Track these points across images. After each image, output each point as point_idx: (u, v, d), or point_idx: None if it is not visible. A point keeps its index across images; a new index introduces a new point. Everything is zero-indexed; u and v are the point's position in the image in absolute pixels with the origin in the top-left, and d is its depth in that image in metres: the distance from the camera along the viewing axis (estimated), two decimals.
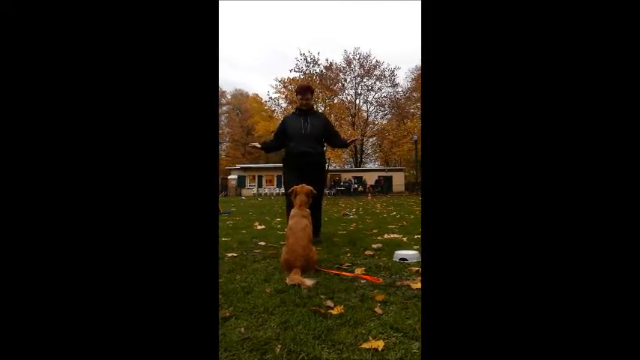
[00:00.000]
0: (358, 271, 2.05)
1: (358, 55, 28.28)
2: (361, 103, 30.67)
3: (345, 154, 28.96)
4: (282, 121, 3.22)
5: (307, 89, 3.14)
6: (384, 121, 31.25)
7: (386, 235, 3.52)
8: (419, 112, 28.53)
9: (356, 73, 28.74)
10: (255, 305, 1.47)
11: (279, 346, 1.09)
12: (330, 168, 26.03)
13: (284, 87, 24.40)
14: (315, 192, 2.49)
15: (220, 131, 37.32)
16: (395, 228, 4.19)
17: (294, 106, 3.26)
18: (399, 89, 30.98)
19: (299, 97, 3.10)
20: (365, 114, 30.81)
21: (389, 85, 29.79)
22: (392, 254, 2.46)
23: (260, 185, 27.21)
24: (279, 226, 4.65)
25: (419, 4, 0.75)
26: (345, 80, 28.40)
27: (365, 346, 1.09)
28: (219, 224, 4.82)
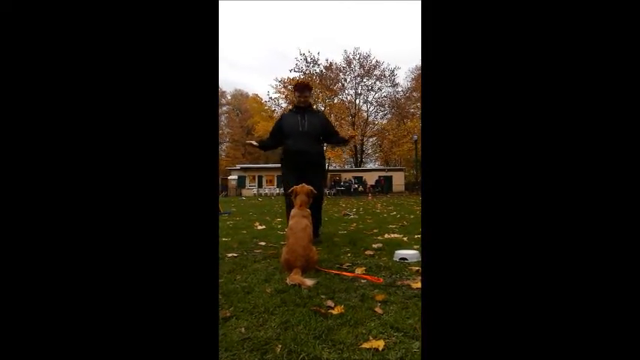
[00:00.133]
0: (358, 270, 2.05)
1: (358, 55, 28.30)
2: (361, 103, 30.69)
3: (345, 154, 28.96)
4: (279, 118, 3.13)
5: (305, 86, 3.07)
6: (384, 121, 31.26)
7: (386, 235, 3.52)
8: (419, 112, 28.54)
9: (356, 73, 28.75)
10: (255, 305, 1.47)
11: (280, 346, 1.09)
12: (330, 168, 26.04)
13: (284, 87, 24.41)
14: (315, 192, 2.47)
15: (220, 131, 37.33)
16: (395, 228, 4.20)
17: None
18: (399, 89, 31.00)
19: (297, 94, 3.02)
20: (365, 114, 30.81)
21: (389, 85, 29.81)
22: (392, 254, 2.46)
23: (260, 185, 27.22)
24: (279, 226, 4.65)
25: (419, 4, 0.75)
26: (345, 80, 28.42)
27: (365, 345, 1.09)
28: (220, 224, 4.82)
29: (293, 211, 2.32)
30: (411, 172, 30.30)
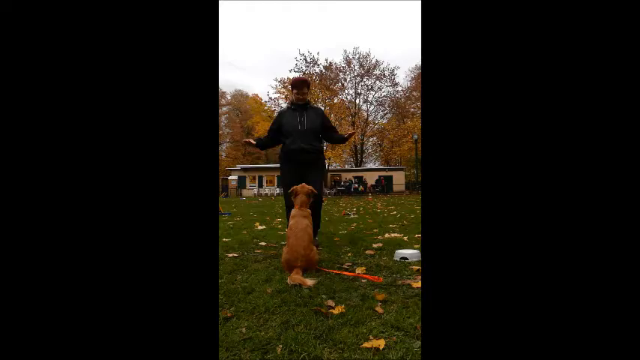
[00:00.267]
0: (359, 270, 2.05)
1: (358, 55, 28.28)
2: (361, 103, 30.66)
3: (345, 154, 28.96)
4: (277, 115, 2.99)
5: (303, 82, 2.90)
6: (385, 121, 31.24)
7: (386, 235, 3.52)
8: (419, 112, 28.53)
9: (356, 73, 28.73)
10: (256, 305, 1.48)
11: (281, 346, 1.09)
12: (331, 168, 26.03)
13: (284, 87, 24.41)
14: (315, 191, 2.46)
15: (220, 132, 37.33)
16: (395, 227, 4.19)
17: None
18: (399, 88, 30.97)
19: (294, 91, 2.87)
20: (365, 113, 30.79)
21: (389, 84, 29.76)
22: (392, 253, 2.46)
23: (260, 185, 27.23)
24: (279, 226, 4.65)
25: (419, 4, 0.75)
26: (345, 80, 28.40)
27: (366, 345, 1.09)
28: (220, 225, 4.82)
29: (293, 211, 2.32)
30: (412, 171, 30.30)
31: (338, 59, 38.80)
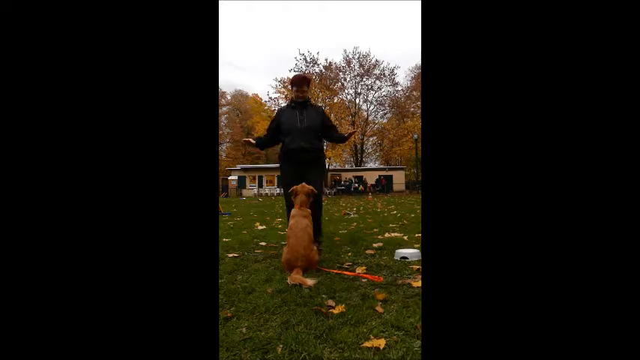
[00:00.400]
0: (359, 270, 2.05)
1: (358, 55, 28.27)
2: (361, 103, 30.66)
3: (346, 154, 28.96)
4: (276, 114, 2.89)
5: (303, 80, 2.82)
6: (385, 120, 31.24)
7: (387, 234, 3.52)
8: (419, 111, 28.51)
9: (355, 73, 28.72)
10: (256, 305, 1.48)
11: (281, 346, 1.09)
12: (331, 167, 26.02)
13: (284, 87, 24.42)
14: (315, 191, 2.44)
15: (220, 132, 37.31)
16: (396, 227, 4.20)
17: None
18: (399, 88, 30.96)
19: (294, 88, 2.77)
20: (365, 113, 30.79)
21: (389, 84, 29.75)
22: (393, 253, 2.46)
23: (260, 185, 27.23)
24: (279, 226, 4.65)
25: (419, 4, 0.75)
26: (345, 80, 28.39)
27: (366, 344, 1.09)
28: (220, 225, 4.82)
29: (293, 211, 2.31)
30: (412, 171, 30.29)
31: (338, 59, 38.84)
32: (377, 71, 28.78)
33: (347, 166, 31.66)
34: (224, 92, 41.03)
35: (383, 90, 29.81)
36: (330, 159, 22.63)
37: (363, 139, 29.83)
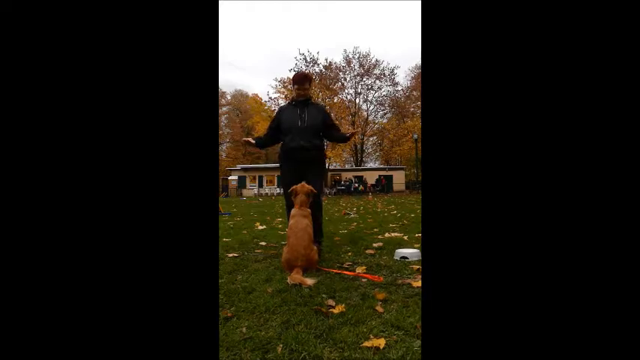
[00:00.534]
0: (359, 270, 2.05)
1: (358, 55, 28.27)
2: (361, 103, 30.64)
3: (346, 154, 28.95)
4: (277, 112, 2.83)
5: (304, 78, 2.75)
6: (385, 120, 31.23)
7: (387, 234, 3.52)
8: (419, 111, 28.51)
9: (355, 73, 28.72)
10: (256, 305, 1.48)
11: (281, 346, 1.09)
12: (331, 167, 26.02)
13: (284, 87, 24.42)
14: (314, 191, 2.43)
15: (220, 132, 37.30)
16: (396, 227, 4.20)
17: None
18: (399, 88, 30.95)
19: (295, 86, 2.70)
20: (365, 113, 30.79)
21: (389, 84, 29.74)
22: (393, 253, 2.47)
23: (260, 185, 27.23)
24: (280, 226, 4.65)
25: (419, 4, 0.75)
26: (345, 79, 28.38)
27: (366, 344, 1.09)
28: (220, 225, 4.82)
29: (293, 211, 2.31)
30: (412, 171, 30.29)
31: (338, 59, 38.81)
32: (377, 71, 28.78)
33: (347, 166, 31.65)
34: (224, 92, 41.05)
35: (383, 90, 29.82)
36: (330, 159, 22.62)
37: (363, 139, 29.83)
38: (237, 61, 56.84)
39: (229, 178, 27.56)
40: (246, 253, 2.76)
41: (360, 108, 30.36)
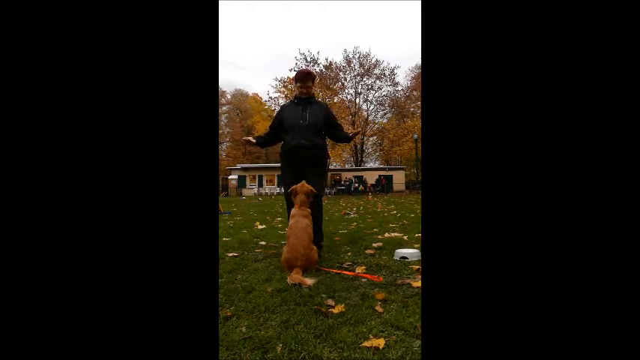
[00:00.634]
0: (359, 269, 2.05)
1: (358, 54, 28.26)
2: (361, 103, 30.64)
3: (346, 154, 28.96)
4: (279, 110, 2.77)
5: (308, 75, 2.68)
6: (385, 120, 31.24)
7: (387, 234, 3.52)
8: (419, 111, 28.51)
9: (356, 72, 28.71)
10: (256, 305, 1.48)
11: (281, 345, 1.10)
12: (331, 167, 26.02)
13: (284, 86, 24.43)
14: (314, 191, 2.39)
15: (220, 131, 37.29)
16: (396, 227, 4.20)
17: None
18: (399, 88, 30.95)
19: (298, 84, 2.65)
20: (365, 113, 30.79)
21: (389, 84, 29.74)
22: (392, 253, 2.47)
23: (260, 185, 27.23)
24: (279, 225, 4.65)
25: (419, 4, 0.75)
26: (345, 79, 28.38)
27: (366, 344, 1.09)
28: (220, 224, 4.82)
29: (293, 211, 2.31)
30: (412, 171, 30.30)
31: (338, 59, 38.81)
32: (377, 71, 28.78)
33: (347, 166, 31.65)
34: (224, 91, 41.04)
35: (383, 90, 29.82)
36: (330, 159, 22.61)
37: (363, 139, 29.83)
38: (237, 60, 56.87)
39: (229, 177, 27.55)
40: (246, 252, 2.76)
41: (360, 108, 30.36)
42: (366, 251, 2.63)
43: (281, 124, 2.65)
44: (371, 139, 32.00)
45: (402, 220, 4.98)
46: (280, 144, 2.74)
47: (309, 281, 1.75)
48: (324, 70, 25.65)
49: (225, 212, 7.18)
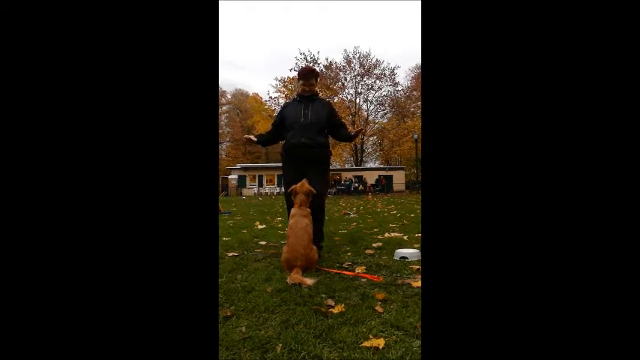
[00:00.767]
0: (359, 269, 2.05)
1: (358, 54, 28.27)
2: (361, 102, 30.66)
3: (346, 153, 28.99)
4: (281, 108, 2.74)
5: (311, 73, 2.64)
6: (385, 120, 31.27)
7: (387, 234, 3.52)
8: (419, 111, 28.52)
9: (356, 72, 28.73)
10: (256, 304, 1.48)
11: (280, 345, 1.10)
12: (331, 167, 26.00)
13: (284, 86, 24.45)
14: (314, 191, 2.36)
15: (220, 131, 37.30)
16: (395, 227, 4.20)
17: None
18: (399, 88, 30.96)
19: (301, 82, 2.61)
20: (365, 113, 30.80)
21: (389, 84, 29.76)
22: (392, 253, 2.46)
23: (260, 185, 27.23)
24: (279, 225, 4.65)
25: (419, 4, 0.75)
26: (345, 79, 28.40)
27: (366, 344, 1.09)
28: (220, 224, 4.82)
29: (293, 211, 2.30)
30: (412, 171, 30.31)
31: (338, 59, 38.84)
32: (377, 71, 28.80)
33: (347, 166, 31.67)
34: (224, 91, 41.05)
35: (383, 90, 29.84)
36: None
37: (363, 139, 29.84)
38: (238, 60, 56.89)
39: (229, 177, 27.55)
40: (245, 252, 2.76)
41: (360, 108, 30.38)
42: (366, 251, 2.63)
43: (283, 122, 2.62)
44: (371, 139, 32.03)
45: (402, 220, 4.98)
46: (280, 144, 2.72)
47: (309, 281, 1.75)
48: (324, 70, 25.68)
49: (225, 212, 7.18)
